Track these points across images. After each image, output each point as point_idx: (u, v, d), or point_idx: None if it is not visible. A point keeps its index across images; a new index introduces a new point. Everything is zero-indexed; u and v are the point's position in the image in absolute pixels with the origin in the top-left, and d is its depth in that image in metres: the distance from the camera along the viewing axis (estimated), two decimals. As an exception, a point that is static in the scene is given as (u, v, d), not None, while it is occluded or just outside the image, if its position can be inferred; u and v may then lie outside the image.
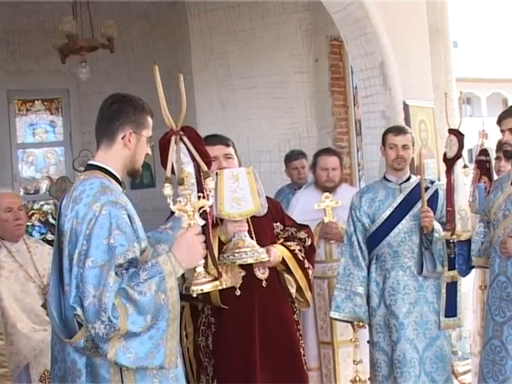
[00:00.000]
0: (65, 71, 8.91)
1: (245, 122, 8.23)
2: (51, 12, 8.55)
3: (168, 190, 2.61)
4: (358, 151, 8.10)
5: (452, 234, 4.28)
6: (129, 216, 2.66)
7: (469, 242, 4.24)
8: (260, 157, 8.17)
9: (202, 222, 2.72)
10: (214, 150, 3.75)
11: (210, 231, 2.86)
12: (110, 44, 7.41)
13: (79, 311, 2.53)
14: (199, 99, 8.36)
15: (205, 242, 2.72)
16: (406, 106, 5.79)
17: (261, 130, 8.22)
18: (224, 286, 3.32)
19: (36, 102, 9.98)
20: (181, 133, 2.79)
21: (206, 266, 2.78)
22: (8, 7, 8.70)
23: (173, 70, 8.20)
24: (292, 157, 6.74)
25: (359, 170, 8.10)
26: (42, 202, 9.83)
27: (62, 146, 10.09)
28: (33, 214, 9.77)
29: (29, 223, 9.66)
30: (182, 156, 2.82)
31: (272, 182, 7.84)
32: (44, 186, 9.97)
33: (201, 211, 2.70)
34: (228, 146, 3.88)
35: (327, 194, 5.41)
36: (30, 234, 9.45)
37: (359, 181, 8.06)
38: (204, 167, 2.80)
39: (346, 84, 8.08)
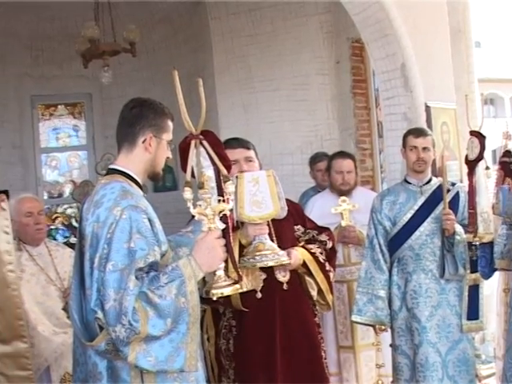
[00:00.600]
0: (88, 76, 8.96)
1: (267, 125, 8.22)
2: (74, 17, 8.59)
3: (188, 193, 2.63)
4: (380, 153, 8.06)
5: (474, 237, 4.25)
6: (149, 220, 2.68)
7: (491, 244, 4.20)
8: (282, 159, 8.16)
9: (222, 226, 2.72)
10: (234, 153, 3.76)
11: (231, 235, 2.87)
12: (132, 48, 7.45)
13: (100, 314, 2.54)
14: (221, 102, 8.39)
15: (225, 245, 2.72)
16: (427, 108, 5.76)
17: (283, 133, 8.21)
18: (244, 290, 3.32)
19: (59, 106, 10.05)
20: (200, 137, 2.81)
21: (226, 270, 2.79)
22: (32, 13, 8.80)
23: (195, 73, 8.24)
24: (316, 159, 6.68)
25: (381, 172, 8.06)
26: (65, 206, 9.90)
27: (85, 150, 10.15)
28: (56, 218, 9.86)
29: (52, 226, 9.75)
30: (201, 160, 2.83)
31: (294, 184, 7.83)
32: (67, 189, 10.05)
33: (221, 215, 2.71)
34: (249, 149, 3.88)
35: (344, 197, 5.37)
36: (54, 238, 9.54)
37: (381, 183, 8.02)
38: (224, 171, 2.82)
39: (368, 86, 8.04)
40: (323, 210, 5.44)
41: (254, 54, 8.23)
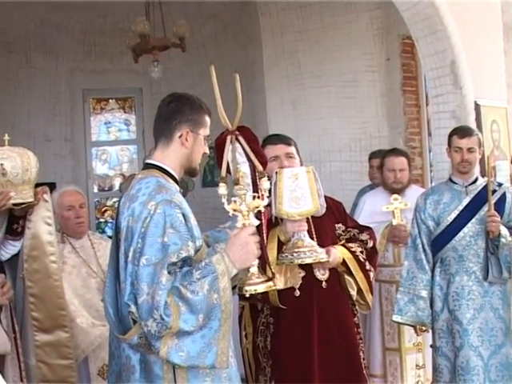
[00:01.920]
0: (138, 70, 9.01)
1: (315, 121, 8.16)
2: (126, 13, 8.66)
3: (223, 189, 2.63)
4: (429, 151, 7.93)
5: (521, 239, 4.17)
6: (183, 215, 2.67)
7: (538, 247, 4.11)
8: (330, 156, 8.10)
9: (257, 222, 2.70)
10: (275, 149, 3.77)
11: (264, 231, 2.85)
12: (182, 43, 7.47)
13: (133, 308, 2.56)
14: (270, 98, 8.36)
15: (259, 242, 2.71)
16: (477, 106, 5.62)
17: (331, 130, 8.14)
18: (278, 287, 3.31)
19: (110, 100, 10.13)
20: (236, 133, 2.80)
21: (260, 267, 2.77)
22: (85, 9, 8.90)
23: (244, 69, 8.25)
24: (373, 155, 6.50)
25: (431, 171, 7.93)
26: (114, 199, 9.94)
27: (135, 144, 10.23)
28: (106, 211, 9.97)
29: (102, 219, 9.87)
30: (237, 156, 2.83)
31: (342, 181, 7.80)
32: (117, 183, 10.13)
33: (255, 211, 2.69)
34: (289, 145, 3.86)
35: (396, 195, 5.29)
36: (103, 230, 9.67)
37: (431, 182, 7.89)
38: (259, 167, 2.80)
39: (418, 83, 7.90)
40: (374, 207, 5.39)
41: (304, 50, 8.16)
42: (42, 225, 3.93)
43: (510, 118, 5.99)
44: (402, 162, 5.47)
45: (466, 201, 4.50)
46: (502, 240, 4.27)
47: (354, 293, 3.83)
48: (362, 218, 5.13)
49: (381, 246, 5.08)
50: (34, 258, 3.90)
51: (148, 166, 2.88)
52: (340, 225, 3.97)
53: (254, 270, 2.71)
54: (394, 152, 5.64)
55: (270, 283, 2.73)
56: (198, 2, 8.71)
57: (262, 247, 2.77)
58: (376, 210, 5.33)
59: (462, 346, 4.35)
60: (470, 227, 4.43)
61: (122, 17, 8.91)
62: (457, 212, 4.48)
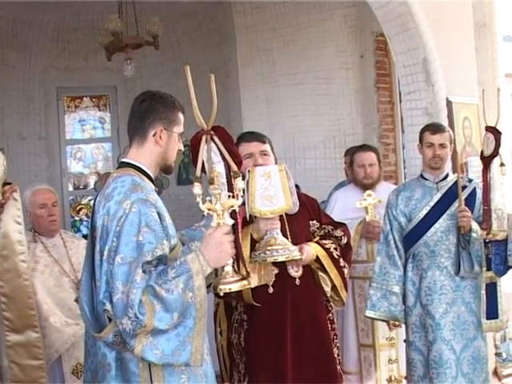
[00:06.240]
0: (113, 68, 8.99)
1: (290, 119, 8.18)
2: (100, 10, 8.61)
3: (197, 189, 2.63)
4: (403, 148, 7.98)
5: (488, 234, 4.21)
6: (158, 214, 2.69)
7: (505, 241, 4.16)
8: (305, 153, 8.13)
9: (232, 222, 2.72)
10: (249, 147, 3.79)
11: (239, 231, 2.87)
12: (155, 41, 7.44)
13: (108, 306, 2.57)
14: (245, 96, 8.36)
15: (234, 241, 2.73)
16: (449, 103, 5.68)
17: (306, 127, 8.16)
18: (252, 286, 3.33)
19: (84, 98, 10.06)
20: (212, 132, 2.81)
21: (235, 266, 2.79)
22: (59, 6, 8.83)
23: (219, 66, 8.26)
24: (347, 152, 6.46)
25: (405, 168, 7.99)
26: (89, 197, 9.90)
27: (110, 142, 10.17)
28: (81, 209, 9.92)
29: (76, 218, 9.83)
30: (212, 155, 2.84)
31: (317, 178, 7.83)
32: (92, 181, 10.07)
33: (230, 210, 2.71)
34: (264, 142, 3.87)
35: (369, 191, 5.32)
36: (78, 229, 9.63)
37: (404, 178, 7.95)
38: (234, 167, 2.82)
39: (392, 80, 7.95)
40: (346, 204, 5.41)
41: (278, 47, 8.18)
42: (12, 224, 3.90)
43: (481, 114, 6.04)
44: (371, 157, 5.52)
45: (437, 197, 4.54)
46: (473, 235, 4.31)
47: (328, 289, 3.85)
48: (334, 215, 5.14)
49: (354, 242, 5.10)
50: (4, 258, 3.88)
51: (123, 165, 2.89)
52: (314, 221, 3.99)
53: (229, 268, 2.73)
54: (363, 148, 5.69)
55: (245, 282, 2.75)
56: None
57: (237, 246, 2.79)
58: (348, 207, 5.35)
59: (435, 340, 4.40)
60: (442, 223, 4.47)
61: (95, 14, 8.87)
62: (428, 208, 4.53)
